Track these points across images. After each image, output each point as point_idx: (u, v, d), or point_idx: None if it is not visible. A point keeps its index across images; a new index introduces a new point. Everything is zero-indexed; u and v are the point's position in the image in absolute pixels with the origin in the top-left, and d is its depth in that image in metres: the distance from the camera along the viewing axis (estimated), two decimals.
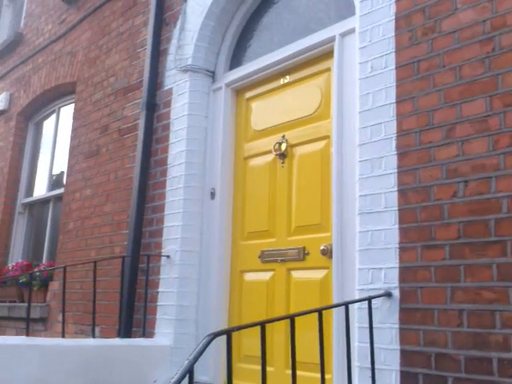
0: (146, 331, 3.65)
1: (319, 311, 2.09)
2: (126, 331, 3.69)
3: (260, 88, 3.74)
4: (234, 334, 1.87)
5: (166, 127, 4.04)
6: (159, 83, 4.22)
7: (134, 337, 3.69)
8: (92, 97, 5.00)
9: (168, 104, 4.08)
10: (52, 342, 3.05)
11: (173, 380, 1.55)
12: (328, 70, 3.28)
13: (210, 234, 3.71)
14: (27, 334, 3.06)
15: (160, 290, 3.71)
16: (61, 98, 5.90)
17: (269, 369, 2.96)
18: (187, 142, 3.82)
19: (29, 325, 3.26)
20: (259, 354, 3.18)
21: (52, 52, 5.90)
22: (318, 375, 2.83)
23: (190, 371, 1.59)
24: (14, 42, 6.76)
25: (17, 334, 4.77)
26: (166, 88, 4.14)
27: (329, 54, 3.26)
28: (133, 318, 3.77)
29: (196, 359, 1.61)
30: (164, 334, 3.57)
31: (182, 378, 1.57)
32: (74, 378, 2.97)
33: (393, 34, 2.75)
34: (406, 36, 2.71)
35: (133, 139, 4.32)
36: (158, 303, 3.69)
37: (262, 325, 1.87)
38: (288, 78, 3.54)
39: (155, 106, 4.17)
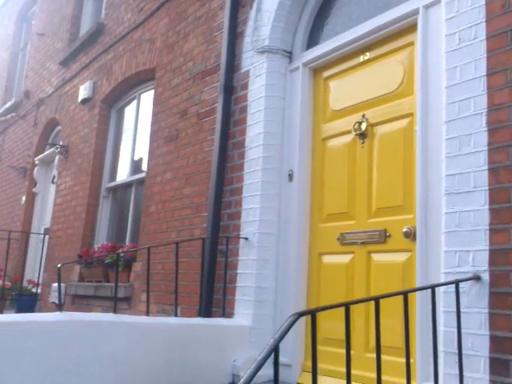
0: (226, 311, 3.70)
1: (404, 294, 2.02)
2: (206, 311, 3.77)
3: (338, 66, 3.65)
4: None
5: (244, 109, 4.04)
6: (236, 66, 4.22)
7: (214, 317, 3.75)
8: (171, 82, 5.09)
9: (245, 86, 4.08)
10: (137, 320, 3.16)
11: (259, 357, 1.54)
12: (411, 44, 3.14)
13: (287, 216, 3.69)
14: (114, 312, 3.19)
15: (239, 271, 3.75)
16: (141, 85, 6.07)
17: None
18: (265, 124, 3.81)
19: (116, 303, 3.40)
20: (338, 336, 3.16)
21: (132, 40, 6.06)
22: (399, 359, 2.78)
23: (275, 349, 1.58)
24: (95, 32, 7.01)
25: (102, 312, 5.01)
26: (242, 70, 4.14)
27: (412, 28, 3.12)
28: (212, 298, 3.84)
29: (281, 338, 1.60)
30: (243, 314, 3.61)
31: (268, 355, 1.56)
32: (156, 355, 3.06)
33: (483, 2, 2.58)
34: (498, 3, 2.53)
35: (211, 123, 4.37)
36: (237, 284, 3.73)
37: (347, 306, 1.83)
38: (368, 55, 3.42)
39: (232, 88, 4.18)
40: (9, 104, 10.13)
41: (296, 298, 3.50)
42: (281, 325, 1.70)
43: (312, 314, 1.74)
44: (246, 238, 3.72)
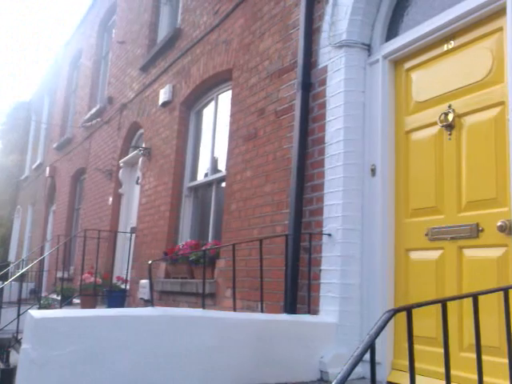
0: (310, 308, 3.71)
1: (505, 290, 1.93)
2: (291, 308, 3.79)
3: (420, 57, 3.55)
4: (401, 313, 1.81)
5: (322, 105, 4.03)
6: (313, 62, 4.21)
7: (299, 313, 3.76)
8: (248, 82, 5.16)
9: (323, 82, 4.06)
10: (226, 315, 3.23)
11: (355, 354, 1.54)
12: (499, 29, 3.00)
13: (371, 211, 3.64)
14: (203, 308, 3.28)
15: (322, 267, 3.74)
16: (218, 86, 6.19)
17: (440, 350, 2.84)
18: (344, 119, 3.77)
19: (204, 299, 3.50)
20: (428, 334, 3.08)
21: (208, 42, 6.20)
22: (496, 359, 2.67)
23: (371, 346, 1.57)
24: (173, 37, 7.23)
25: (188, 307, 5.16)
26: (320, 66, 4.12)
27: (500, 12, 2.98)
28: (297, 295, 3.86)
29: (377, 334, 1.59)
30: (328, 311, 3.60)
31: (364, 352, 1.55)
32: (244, 349, 3.11)
33: None
34: None
35: (289, 120, 4.38)
36: (321, 281, 3.72)
37: (444, 302, 1.78)
38: (452, 43, 3.30)
39: (310, 85, 4.18)
40: (94, 110, 10.65)
41: (383, 295, 3.45)
42: (376, 321, 1.68)
43: (408, 310, 1.71)
44: (329, 235, 3.71)
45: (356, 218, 3.66)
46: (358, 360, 1.55)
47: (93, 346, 2.68)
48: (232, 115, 5.41)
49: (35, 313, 2.71)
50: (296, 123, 4.16)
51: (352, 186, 3.69)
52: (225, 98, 6.06)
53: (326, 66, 4.04)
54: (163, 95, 7.17)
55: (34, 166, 16.66)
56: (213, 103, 6.43)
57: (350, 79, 3.81)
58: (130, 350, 2.77)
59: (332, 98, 3.92)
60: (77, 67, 13.74)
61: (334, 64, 3.94)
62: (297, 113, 4.17)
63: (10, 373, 3.61)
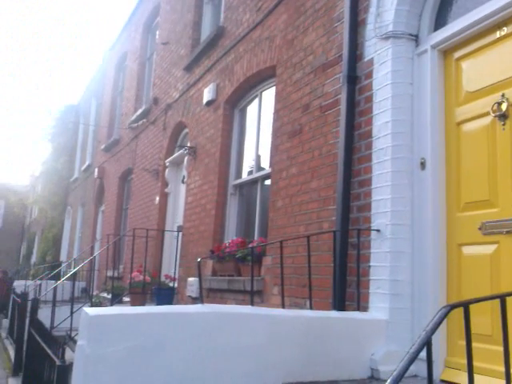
0: (360, 305, 3.65)
1: None
2: (339, 305, 3.75)
3: (471, 45, 3.43)
4: (454, 310, 1.74)
5: (369, 99, 3.95)
6: (359, 55, 4.14)
7: (348, 310, 3.72)
8: (292, 77, 5.13)
9: (369, 75, 3.99)
10: (275, 312, 3.22)
11: (411, 351, 1.50)
12: None
13: (421, 206, 3.55)
14: (252, 305, 3.28)
15: (371, 264, 3.67)
16: (262, 83, 6.19)
17: (496, 348, 2.74)
18: (392, 112, 3.69)
19: (252, 296, 3.50)
20: (481, 331, 2.98)
21: (251, 40, 6.20)
22: None
23: (427, 342, 1.53)
24: (216, 36, 7.27)
25: (236, 305, 5.18)
26: (366, 59, 4.05)
27: None
28: (345, 291, 3.81)
29: (434, 330, 1.54)
30: (378, 308, 3.53)
31: (421, 348, 1.51)
32: (293, 346, 3.09)
33: None
34: None
35: (335, 115, 4.33)
36: (371, 277, 3.66)
37: (502, 298, 1.71)
38: (505, 30, 3.18)
39: (356, 78, 4.11)
40: (140, 111, 10.85)
41: (435, 291, 3.36)
42: (431, 317, 1.63)
43: (465, 306, 1.65)
44: (378, 230, 3.64)
45: (405, 212, 3.58)
46: (415, 356, 1.51)
47: (145, 342, 2.71)
48: (276, 112, 5.39)
49: (90, 310, 2.77)
50: (342, 118, 4.11)
51: (401, 181, 3.61)
52: (269, 95, 6.05)
53: (372, 59, 3.96)
54: (207, 94, 7.22)
55: (83, 168, 17.12)
56: (257, 100, 6.43)
57: (397, 71, 3.73)
58: (181, 346, 2.80)
59: (379, 90, 3.84)
60: (122, 69, 14.03)
61: (381, 56, 3.87)
62: (343, 107, 4.12)
63: (65, 369, 3.70)
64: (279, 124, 5.29)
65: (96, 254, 10.10)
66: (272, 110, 5.57)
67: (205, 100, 7.31)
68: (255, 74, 6.05)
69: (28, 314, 7.65)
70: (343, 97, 4.12)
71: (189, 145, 7.87)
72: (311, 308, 3.62)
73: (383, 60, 3.83)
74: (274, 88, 5.67)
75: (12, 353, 10.67)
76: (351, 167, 4.01)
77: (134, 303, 7.41)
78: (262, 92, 6.30)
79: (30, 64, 78.61)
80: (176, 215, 8.67)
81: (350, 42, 4.14)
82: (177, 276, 7.51)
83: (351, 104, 4.08)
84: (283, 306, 3.53)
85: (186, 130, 8.42)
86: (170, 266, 8.10)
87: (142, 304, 7.29)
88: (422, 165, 3.57)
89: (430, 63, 3.62)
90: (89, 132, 17.30)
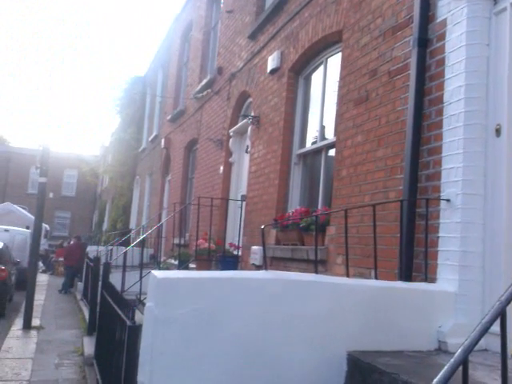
0: (427, 276, 3.56)
1: None
2: (406, 275, 3.66)
3: None
4: None
5: (441, 62, 3.76)
6: (431, 16, 3.93)
7: (414, 281, 3.63)
8: (359, 42, 4.96)
9: (442, 37, 3.79)
10: (340, 281, 3.19)
11: (483, 321, 1.44)
12: None
13: (495, 175, 3.37)
14: (316, 273, 3.26)
15: (440, 234, 3.55)
16: (327, 49, 6.04)
17: None
18: (466, 76, 3.50)
19: (316, 265, 3.49)
20: None
21: (317, 4, 6.03)
22: None
23: (502, 313, 1.45)
24: (281, 2, 7.12)
25: None
26: (438, 20, 3.84)
27: None
28: (412, 262, 3.72)
29: (509, 301, 1.47)
30: (447, 280, 3.42)
31: (494, 319, 1.44)
32: (357, 316, 3.06)
33: None
34: None
35: (404, 80, 4.16)
36: (439, 248, 3.55)
37: None
38: None
39: (427, 41, 3.92)
40: (204, 81, 10.91)
41: (508, 263, 3.21)
42: (507, 287, 1.55)
43: None
44: (448, 200, 3.50)
45: (478, 182, 3.42)
46: (487, 327, 1.45)
47: (211, 306, 2.76)
48: (342, 78, 5.26)
49: (158, 273, 2.85)
50: (411, 83, 3.94)
51: (474, 148, 3.44)
52: (334, 62, 5.90)
53: (446, 19, 3.75)
54: (271, 62, 7.14)
55: (150, 138, 17.55)
56: (322, 67, 6.29)
57: (472, 31, 3.52)
58: (245, 311, 2.83)
59: (452, 53, 3.64)
60: (188, 40, 14.12)
61: (455, 16, 3.65)
62: (412, 72, 3.95)
63: (135, 329, 3.88)
64: (345, 91, 5.16)
65: (163, 221, 10.39)
66: (337, 77, 5.44)
67: (269, 68, 7.23)
68: (321, 39, 5.91)
69: (100, 278, 8.04)
70: (413, 61, 3.95)
71: (252, 114, 7.86)
72: (376, 278, 3.56)
73: (457, 20, 3.62)
74: (339, 54, 5.52)
75: (86, 314, 11.28)
76: (420, 134, 3.86)
77: (199, 270, 7.59)
78: (327, 58, 6.16)
79: (103, 38, 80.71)
80: (240, 184, 8.74)
81: (421, 3, 3.93)
82: (241, 244, 7.61)
83: (422, 68, 3.90)
84: (347, 276, 3.49)
85: (250, 100, 8.40)
86: (233, 235, 8.21)
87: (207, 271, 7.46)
88: (497, 131, 3.38)
89: (510, 22, 3.38)
90: (156, 103, 17.65)
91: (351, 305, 3.05)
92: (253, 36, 8.18)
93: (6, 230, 17.88)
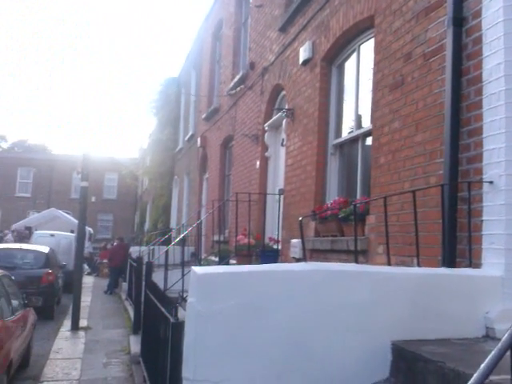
0: (472, 262, 3.45)
1: None
2: (449, 261, 3.56)
3: None
4: None
5: (478, 40, 3.64)
6: None
7: (458, 267, 3.53)
8: (391, 26, 4.85)
9: (477, 14, 3.66)
10: (381, 270, 3.13)
11: None
12: None
13: None
14: (356, 263, 3.21)
15: (484, 218, 3.44)
16: (359, 36, 5.93)
17: None
18: (505, 52, 3.36)
19: (356, 255, 3.43)
20: None
21: None
22: None
23: None
24: None
25: None
26: None
27: None
28: (456, 248, 3.61)
29: None
30: (492, 264, 3.31)
31: None
32: (401, 304, 2.99)
33: None
34: None
35: (439, 61, 4.04)
36: (483, 232, 3.43)
37: None
38: None
39: (462, 19, 3.79)
40: (237, 78, 10.92)
41: None
42: None
43: None
44: (491, 182, 3.38)
45: None
46: None
47: (252, 299, 2.75)
48: (376, 64, 5.15)
49: (198, 269, 2.86)
50: (448, 64, 3.83)
51: None
52: (367, 48, 5.79)
53: None
54: (303, 53, 7.07)
55: (186, 138, 17.70)
56: (354, 55, 6.19)
57: (510, 6, 3.38)
58: (287, 303, 2.81)
59: (489, 30, 3.51)
60: (219, 38, 14.17)
61: None
62: (448, 52, 3.83)
63: (179, 326, 3.92)
64: (379, 77, 5.05)
65: (202, 219, 10.47)
66: (371, 64, 5.34)
67: (301, 59, 7.17)
68: (352, 26, 5.81)
69: (143, 277, 8.17)
70: (449, 41, 3.83)
71: (287, 107, 7.81)
72: (419, 266, 3.48)
73: None
74: (372, 40, 5.41)
75: (131, 313, 11.49)
76: (459, 116, 3.75)
77: (240, 265, 7.61)
78: (359, 45, 6.05)
79: (135, 40, 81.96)
80: (277, 178, 8.70)
81: None
82: (280, 238, 7.58)
83: (458, 48, 3.78)
84: (389, 265, 3.43)
85: (283, 93, 8.35)
86: (272, 229, 8.19)
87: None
88: None
89: None
90: (190, 103, 17.78)
91: (394, 293, 2.99)
92: (283, 28, 8.12)
93: (52, 235, 18.43)
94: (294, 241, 6.91)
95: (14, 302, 7.08)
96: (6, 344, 5.73)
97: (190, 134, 17.13)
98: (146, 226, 27.53)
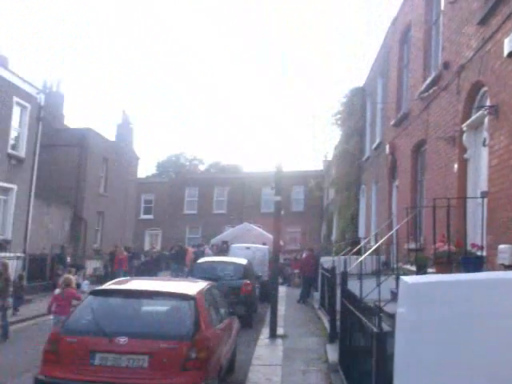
0: None
1: None
2: None
3: None
4: None
5: None
6: None
7: None
8: None
9: None
10: None
11: None
12: None
13: None
14: None
15: None
16: None
17: None
18: None
19: None
20: None
21: None
22: None
23: None
24: None
25: None
26: None
27: None
28: None
29: None
30: None
31: None
32: None
33: None
34: None
35: None
36: None
37: None
38: None
39: None
40: (429, 80, 10.50)
41: None
42: None
43: None
44: None
45: None
46: None
47: (468, 308, 2.63)
48: None
49: (408, 278, 2.81)
50: None
51: None
52: None
53: None
54: (508, 44, 6.54)
55: (373, 146, 17.50)
56: None
57: None
58: (502, 313, 2.60)
59: None
60: (406, 41, 13.81)
61: None
62: None
63: (383, 336, 3.89)
64: None
65: (396, 227, 10.21)
66: None
67: (506, 51, 6.62)
68: None
69: (339, 287, 8.24)
70: None
71: (489, 104, 7.27)
72: None
73: None
74: None
75: (325, 322, 11.64)
76: None
77: (439, 273, 7.24)
78: None
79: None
80: (478, 181, 8.13)
81: None
82: (484, 244, 7.05)
83: None
84: None
85: (484, 89, 7.81)
86: (474, 234, 7.66)
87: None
88: None
89: None
90: (376, 111, 17.58)
91: None
92: (483, 21, 7.60)
93: (248, 248, 19.67)
94: (501, 246, 6.37)
95: (221, 311, 7.61)
96: (217, 351, 6.18)
97: (377, 142, 16.91)
98: (333, 236, 27.76)
